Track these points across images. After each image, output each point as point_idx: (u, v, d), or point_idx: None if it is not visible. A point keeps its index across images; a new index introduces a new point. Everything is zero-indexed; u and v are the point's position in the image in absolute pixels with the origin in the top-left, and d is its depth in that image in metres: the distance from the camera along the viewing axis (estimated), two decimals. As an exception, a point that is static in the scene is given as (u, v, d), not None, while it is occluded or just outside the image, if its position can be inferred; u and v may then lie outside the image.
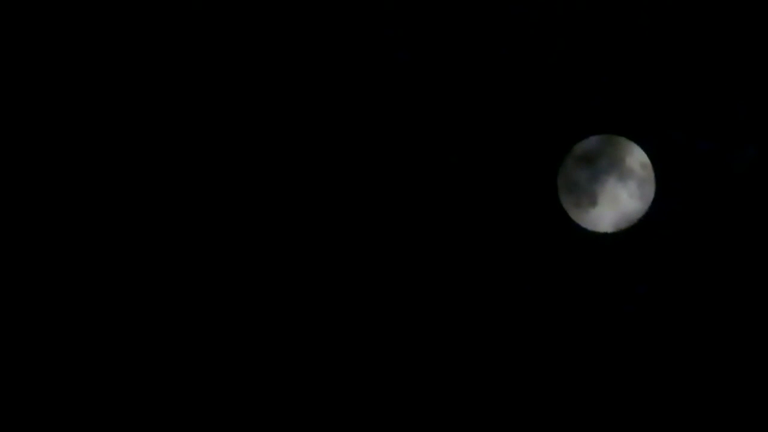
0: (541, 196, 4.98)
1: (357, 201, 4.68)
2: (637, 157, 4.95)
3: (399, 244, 4.73)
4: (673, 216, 4.96)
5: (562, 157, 4.97)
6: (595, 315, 4.90)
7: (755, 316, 4.77)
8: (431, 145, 4.79)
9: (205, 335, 4.58)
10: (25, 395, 4.52)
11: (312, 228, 4.69)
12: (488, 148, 4.89)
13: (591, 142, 4.96)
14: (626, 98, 4.96)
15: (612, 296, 4.92)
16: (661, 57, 4.92)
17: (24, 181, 4.59)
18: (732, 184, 4.88)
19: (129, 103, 4.62)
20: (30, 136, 4.60)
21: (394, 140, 4.70)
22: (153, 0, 4.56)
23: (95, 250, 4.60)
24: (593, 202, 4.94)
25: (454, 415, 4.68)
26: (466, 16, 4.81)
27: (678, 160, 4.96)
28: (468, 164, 4.85)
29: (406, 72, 4.70)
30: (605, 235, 4.96)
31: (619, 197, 4.94)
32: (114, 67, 4.62)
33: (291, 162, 4.67)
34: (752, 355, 4.73)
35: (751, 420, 4.61)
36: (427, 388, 4.71)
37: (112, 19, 4.59)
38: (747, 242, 4.83)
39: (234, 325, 4.63)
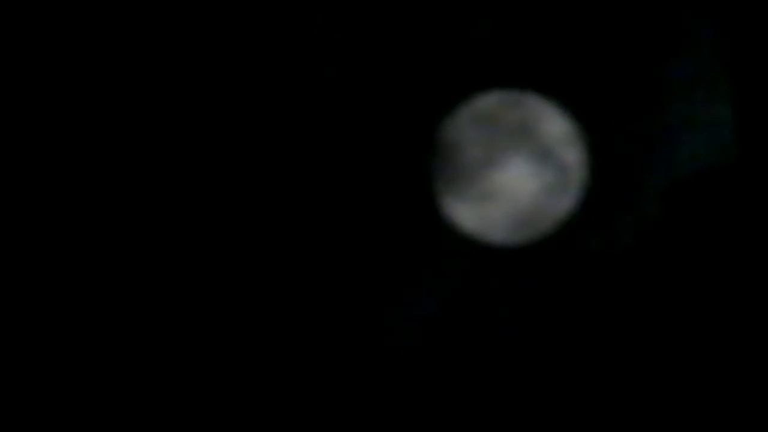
0: (408, 186, 3.71)
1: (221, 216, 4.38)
2: (556, 127, 3.59)
3: (264, 245, 4.26)
4: (605, 220, 3.65)
5: (442, 124, 3.66)
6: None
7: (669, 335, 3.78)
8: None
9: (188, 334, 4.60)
10: (25, 395, 4.66)
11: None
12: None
13: (485, 101, 3.62)
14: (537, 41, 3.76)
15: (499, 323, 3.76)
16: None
17: (24, 181, 4.72)
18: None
19: (124, 102, 4.64)
20: (30, 136, 4.70)
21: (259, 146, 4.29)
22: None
23: (95, 250, 4.68)
24: (484, 194, 3.58)
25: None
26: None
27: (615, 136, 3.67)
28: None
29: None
30: (502, 248, 3.60)
31: (525, 188, 3.57)
32: (113, 67, 4.65)
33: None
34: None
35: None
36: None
37: (111, 19, 4.64)
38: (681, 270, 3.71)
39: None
